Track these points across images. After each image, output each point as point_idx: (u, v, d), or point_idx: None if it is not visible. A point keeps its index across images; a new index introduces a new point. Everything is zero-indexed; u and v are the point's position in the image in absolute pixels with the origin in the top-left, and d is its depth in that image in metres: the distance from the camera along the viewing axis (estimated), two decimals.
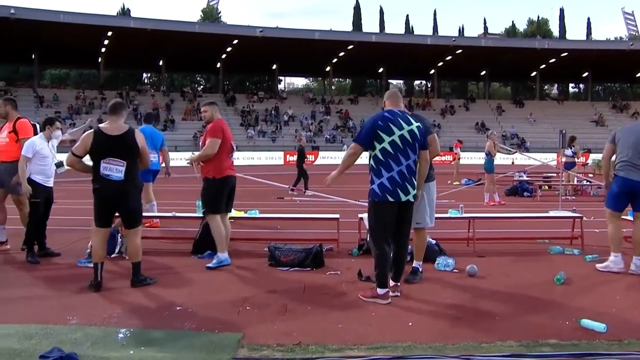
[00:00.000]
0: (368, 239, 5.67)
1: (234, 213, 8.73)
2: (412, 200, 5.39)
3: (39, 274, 6.61)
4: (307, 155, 19.71)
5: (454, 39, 50.25)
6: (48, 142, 7.51)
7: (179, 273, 6.60)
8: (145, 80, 66.98)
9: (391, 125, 5.30)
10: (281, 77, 67.67)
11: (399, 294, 5.50)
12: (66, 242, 8.30)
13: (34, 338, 4.24)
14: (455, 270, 6.63)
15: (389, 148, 5.27)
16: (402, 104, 5.65)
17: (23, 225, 7.76)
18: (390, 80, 65.93)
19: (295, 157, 19.12)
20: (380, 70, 56.33)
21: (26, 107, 41.18)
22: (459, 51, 49.44)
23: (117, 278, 6.34)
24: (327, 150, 40.55)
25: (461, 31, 79.06)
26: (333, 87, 67.21)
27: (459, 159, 22.35)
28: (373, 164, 5.37)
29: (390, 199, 5.27)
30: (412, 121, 5.45)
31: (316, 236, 7.94)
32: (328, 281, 6.19)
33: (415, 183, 5.45)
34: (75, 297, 5.57)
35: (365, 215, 6.81)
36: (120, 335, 4.35)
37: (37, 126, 8.04)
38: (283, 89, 68.80)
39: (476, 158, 37.91)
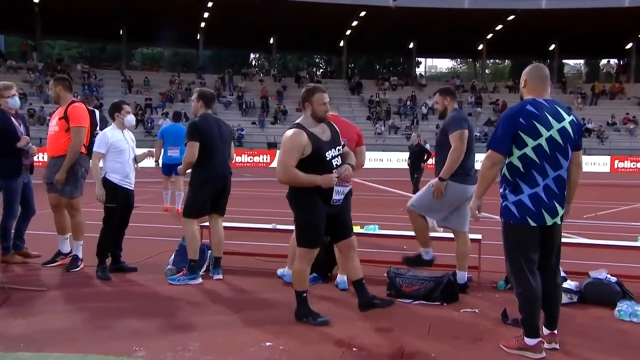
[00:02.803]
0: (507, 272, 5.40)
1: None
2: (559, 222, 5.07)
3: (110, 292, 6.96)
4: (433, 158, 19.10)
5: None
6: (122, 132, 7.81)
7: (273, 299, 6.67)
8: (253, 62, 69.57)
9: (537, 124, 4.89)
10: (420, 59, 67.50)
11: (557, 345, 5.17)
12: (145, 254, 8.70)
13: None
14: None
15: (532, 155, 4.90)
16: (549, 88, 5.20)
17: (59, 233, 8.20)
18: (565, 61, 63.45)
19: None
20: (552, 47, 54.43)
21: (112, 92, 44.17)
22: None
23: (200, 302, 6.54)
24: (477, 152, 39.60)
25: None
26: (487, 71, 65.99)
27: None
28: (508, 175, 5.03)
29: (532, 223, 4.94)
30: (564, 114, 5.03)
31: (451, 261, 7.71)
32: (462, 321, 6.01)
33: (565, 199, 5.10)
34: (148, 322, 5.77)
35: None
36: None
37: (97, 113, 8.37)
38: (422, 73, 68.57)
39: None
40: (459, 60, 79.38)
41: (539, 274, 5.03)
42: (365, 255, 8.69)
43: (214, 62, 61.24)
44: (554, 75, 56.75)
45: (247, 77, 52.44)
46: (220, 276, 7.61)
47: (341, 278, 7.20)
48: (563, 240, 7.97)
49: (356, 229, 9.21)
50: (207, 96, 7.63)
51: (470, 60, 69.61)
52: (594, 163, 38.53)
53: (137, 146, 8.10)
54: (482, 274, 7.64)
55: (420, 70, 69.39)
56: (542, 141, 4.88)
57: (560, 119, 4.97)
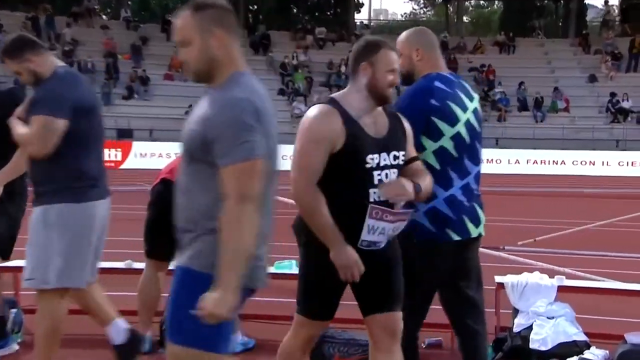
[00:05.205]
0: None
1: None
2: (482, 233, 5.56)
3: None
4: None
5: None
6: None
7: None
8: None
9: (452, 105, 5.32)
10: (361, 0, 68.10)
11: None
12: None
13: None
14: None
15: (449, 148, 5.31)
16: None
17: None
18: (589, 1, 64.93)
19: None
20: None
21: None
22: None
23: None
24: None
25: None
26: (465, 20, 67.13)
27: None
28: None
29: (455, 237, 5.32)
30: (471, 92, 5.57)
31: None
32: None
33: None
34: None
35: (506, 279, 6.75)
36: None
37: None
38: (365, 22, 69.26)
39: None
40: (421, 1, 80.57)
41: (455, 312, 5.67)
42: (275, 306, 8.76)
43: None
44: (572, 25, 57.93)
45: (79, 20, 51.20)
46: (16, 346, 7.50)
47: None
48: (580, 284, 8.33)
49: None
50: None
51: (441, 1, 70.78)
52: (632, 163, 37.94)
53: None
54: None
55: (361, 16, 70.21)
56: (461, 127, 5.33)
57: (470, 97, 5.52)
